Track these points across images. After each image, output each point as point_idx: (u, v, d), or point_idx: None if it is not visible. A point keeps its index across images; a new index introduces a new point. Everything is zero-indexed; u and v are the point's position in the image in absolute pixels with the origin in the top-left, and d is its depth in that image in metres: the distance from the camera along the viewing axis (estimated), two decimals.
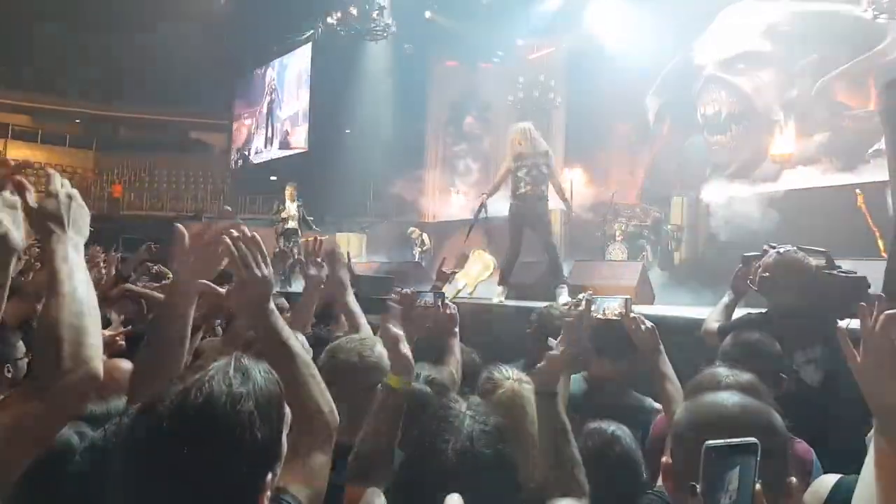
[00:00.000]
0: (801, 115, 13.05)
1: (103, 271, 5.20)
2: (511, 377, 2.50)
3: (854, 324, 1.75)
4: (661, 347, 2.94)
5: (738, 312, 3.86)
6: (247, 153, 27.37)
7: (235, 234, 1.84)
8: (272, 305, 1.84)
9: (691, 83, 15.10)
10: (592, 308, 2.94)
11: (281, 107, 25.47)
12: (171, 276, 6.82)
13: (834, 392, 2.94)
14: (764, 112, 13.72)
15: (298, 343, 1.88)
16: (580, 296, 3.00)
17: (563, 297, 7.10)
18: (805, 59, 12.94)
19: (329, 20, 18.67)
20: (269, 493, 1.42)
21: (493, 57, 19.73)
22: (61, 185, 1.69)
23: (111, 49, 23.13)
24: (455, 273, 4.54)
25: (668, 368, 2.89)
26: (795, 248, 3.54)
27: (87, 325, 1.55)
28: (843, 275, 3.51)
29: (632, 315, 3.03)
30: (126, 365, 2.84)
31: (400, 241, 17.30)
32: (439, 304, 3.38)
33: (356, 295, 3.57)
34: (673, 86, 15.56)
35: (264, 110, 26.38)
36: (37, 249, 4.04)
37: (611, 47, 16.07)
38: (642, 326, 2.98)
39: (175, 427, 1.32)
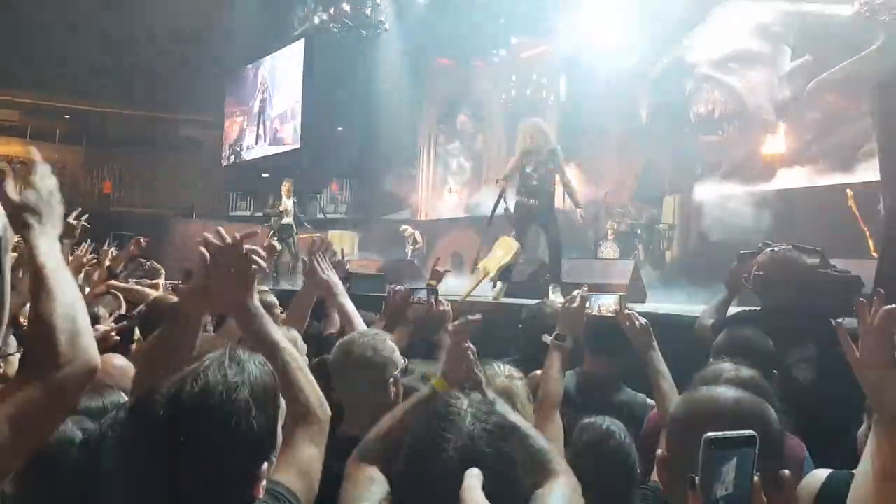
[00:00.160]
0: (793, 116, 13.09)
1: (89, 269, 5.18)
2: (503, 373, 2.51)
3: (848, 322, 1.76)
4: (655, 344, 2.97)
5: (734, 310, 3.88)
6: (238, 150, 27.27)
7: (211, 238, 1.85)
8: (256, 304, 1.86)
9: (684, 82, 15.13)
10: (587, 305, 2.97)
11: (272, 104, 25.40)
12: (163, 271, 6.85)
13: (826, 390, 2.96)
14: (756, 112, 13.75)
15: (285, 338, 1.90)
16: (575, 292, 3.01)
17: (555, 295, 7.12)
18: (797, 59, 12.98)
19: (322, 17, 18.61)
20: (264, 482, 1.43)
21: (486, 55, 19.73)
22: (41, 177, 1.67)
23: (100, 44, 23.02)
24: (448, 272, 4.54)
25: (662, 365, 2.91)
26: (791, 246, 3.56)
27: (79, 316, 1.55)
28: (837, 274, 3.53)
29: (626, 312, 3.06)
30: (120, 361, 2.85)
31: (392, 239, 17.30)
32: (433, 300, 3.40)
33: (350, 293, 3.58)
34: (665, 85, 15.58)
35: (256, 108, 26.29)
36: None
37: (604, 46, 16.09)
38: (636, 323, 3.00)
39: (172, 416, 1.34)
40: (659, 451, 1.56)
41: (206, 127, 29.24)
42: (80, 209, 4.17)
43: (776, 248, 3.53)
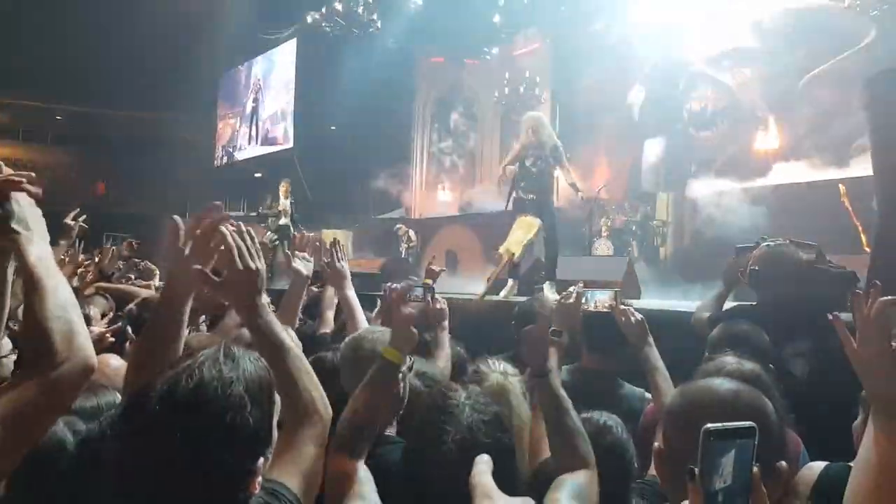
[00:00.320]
0: (786, 111, 13.12)
1: (84, 270, 5.18)
2: (497, 370, 2.52)
3: (844, 317, 1.76)
4: (651, 339, 2.97)
5: (731, 303, 3.88)
6: (231, 150, 27.24)
7: (231, 227, 1.86)
8: (264, 300, 1.85)
9: (676, 79, 15.16)
10: (583, 300, 2.98)
11: (265, 105, 25.36)
12: (157, 272, 6.84)
13: (821, 384, 2.96)
14: (749, 108, 13.79)
15: (290, 337, 1.89)
16: (571, 288, 3.02)
17: (549, 292, 7.11)
18: (790, 55, 13.00)
19: (314, 16, 18.58)
20: (260, 477, 1.43)
21: (478, 53, 19.73)
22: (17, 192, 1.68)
23: (92, 46, 22.94)
24: (444, 270, 4.53)
25: (658, 359, 2.92)
26: (787, 241, 3.56)
27: (73, 317, 1.57)
28: (832, 269, 3.54)
29: (621, 307, 3.06)
30: (116, 361, 2.84)
31: (386, 237, 17.29)
32: (429, 298, 3.40)
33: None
34: (657, 81, 15.61)
35: (248, 109, 26.26)
36: None
37: (596, 42, 16.12)
38: (632, 318, 3.01)
39: (167, 412, 1.35)
40: (656, 444, 1.57)
41: (199, 127, 29.16)
42: (78, 210, 4.17)
43: (772, 243, 3.53)
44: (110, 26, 22.27)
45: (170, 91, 24.92)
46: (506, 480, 1.44)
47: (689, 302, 5.50)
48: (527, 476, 2.08)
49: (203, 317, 3.82)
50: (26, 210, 1.65)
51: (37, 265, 1.58)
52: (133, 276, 6.67)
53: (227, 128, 27.56)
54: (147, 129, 29.43)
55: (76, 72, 24.64)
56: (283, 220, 13.04)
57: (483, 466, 1.09)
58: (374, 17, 18.39)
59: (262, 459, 1.45)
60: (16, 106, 27.92)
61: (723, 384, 1.58)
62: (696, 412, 1.45)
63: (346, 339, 2.73)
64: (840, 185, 9.73)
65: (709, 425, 1.13)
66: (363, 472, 1.91)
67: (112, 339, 3.35)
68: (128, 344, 3.64)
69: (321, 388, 1.84)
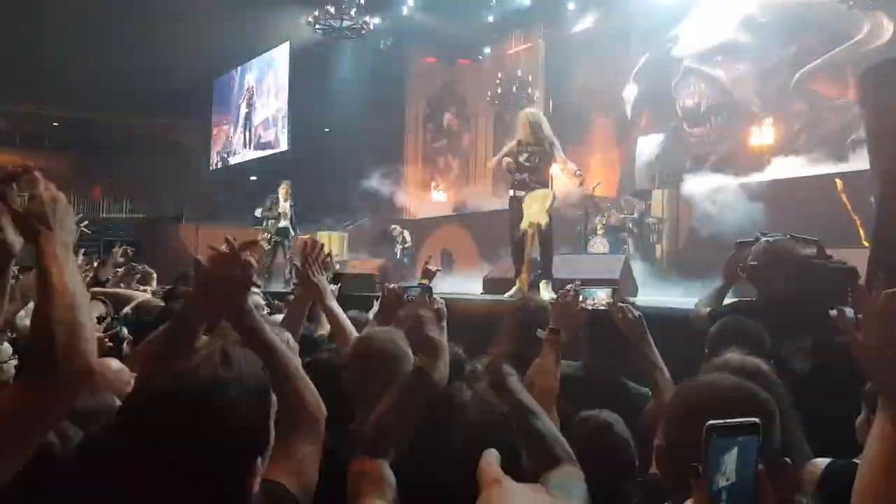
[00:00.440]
0: (780, 106, 13.14)
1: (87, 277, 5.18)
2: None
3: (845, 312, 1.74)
4: (649, 336, 2.96)
5: (731, 299, 3.87)
6: (225, 156, 27.29)
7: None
8: (250, 305, 1.86)
9: (668, 75, 15.18)
10: (580, 298, 2.97)
11: (258, 110, 25.39)
12: (154, 275, 6.84)
13: (822, 380, 2.95)
14: (743, 104, 13.80)
15: (279, 339, 1.90)
16: (568, 287, 3.01)
17: (546, 291, 7.09)
18: (783, 49, 13.02)
19: (307, 18, 18.59)
20: (258, 477, 1.43)
21: (470, 53, 19.76)
22: (45, 187, 1.71)
23: (87, 52, 22.91)
24: (439, 270, 4.51)
25: (656, 357, 2.91)
26: (788, 236, 3.55)
27: (80, 320, 1.57)
28: (832, 264, 3.52)
29: (619, 304, 3.05)
30: (116, 364, 2.84)
31: (381, 238, 17.29)
32: (426, 298, 3.37)
33: (340, 293, 3.56)
34: (650, 78, 15.63)
35: (241, 115, 26.30)
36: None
37: (588, 41, 16.15)
38: (629, 315, 3.00)
39: (163, 413, 1.35)
40: (656, 441, 1.55)
41: (194, 131, 29.19)
42: (80, 215, 4.17)
43: (771, 239, 3.51)
44: (105, 31, 22.24)
45: (165, 95, 24.92)
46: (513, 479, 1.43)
47: (688, 299, 5.48)
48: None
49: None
50: (48, 206, 1.67)
51: (51, 265, 1.58)
52: (131, 281, 6.67)
53: (221, 133, 27.59)
54: (142, 133, 29.44)
55: (71, 78, 24.63)
56: (283, 223, 12.91)
57: (491, 457, 1.08)
58: (366, 18, 18.40)
59: (259, 459, 1.44)
60: (14, 113, 27.95)
61: (724, 380, 1.57)
62: (697, 408, 1.43)
63: (356, 338, 2.71)
64: (837, 180, 9.74)
65: (712, 422, 1.12)
66: (389, 474, 1.90)
67: (110, 344, 3.35)
68: (125, 345, 3.64)
69: (313, 387, 1.84)
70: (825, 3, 12.26)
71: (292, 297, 4.42)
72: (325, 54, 20.40)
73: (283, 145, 23.31)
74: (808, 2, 12.70)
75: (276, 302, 5.95)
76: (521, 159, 7.59)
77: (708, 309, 3.71)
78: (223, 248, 1.88)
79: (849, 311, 1.73)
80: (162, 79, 23.74)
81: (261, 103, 25.05)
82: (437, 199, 20.83)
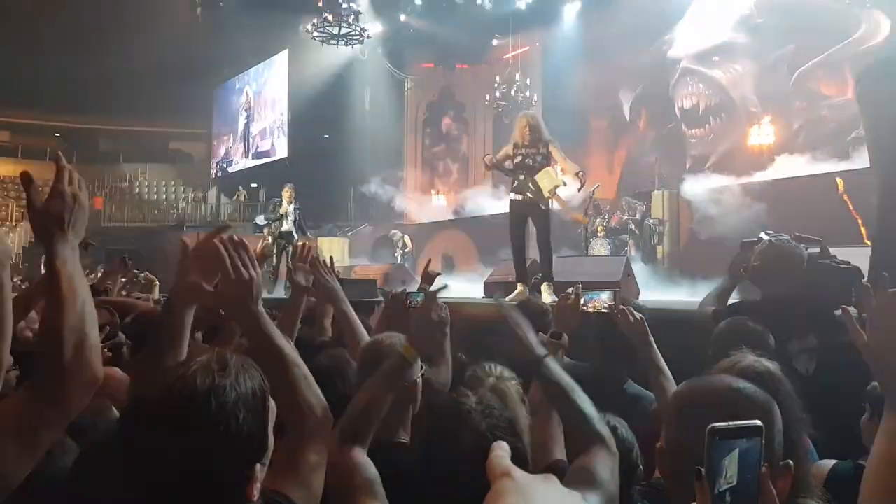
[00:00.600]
0: (779, 106, 13.14)
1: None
2: (493, 374, 2.50)
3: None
4: (651, 339, 2.95)
5: (735, 298, 3.86)
6: (225, 165, 27.37)
7: (224, 237, 1.85)
8: (260, 308, 1.84)
9: (666, 76, 15.18)
10: (582, 301, 2.96)
11: (256, 120, 25.48)
12: (157, 283, 6.83)
13: (827, 381, 2.94)
14: (741, 104, 13.81)
15: (288, 345, 1.88)
16: (569, 290, 3.00)
17: (548, 294, 7.07)
18: (780, 49, 13.02)
19: (306, 26, 18.61)
20: (258, 483, 1.43)
21: (468, 57, 19.80)
22: (68, 182, 1.71)
23: (87, 61, 22.97)
24: (440, 273, 4.50)
25: (659, 359, 2.89)
26: (792, 236, 3.54)
27: (87, 327, 1.57)
28: (836, 265, 3.51)
29: (621, 307, 3.04)
30: (119, 374, 2.84)
31: (381, 243, 17.30)
32: (432, 303, 3.35)
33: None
34: (647, 79, 15.65)
35: (240, 126, 26.38)
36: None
37: (586, 44, 16.17)
38: (631, 318, 2.98)
39: (161, 420, 1.35)
40: (658, 444, 1.54)
41: (195, 139, 29.28)
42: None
43: (774, 239, 3.50)
44: (105, 41, 22.29)
45: (165, 103, 24.99)
46: None
47: (691, 299, 5.47)
48: None
49: (199, 331, 3.79)
50: (67, 207, 1.65)
51: (62, 271, 1.58)
52: (138, 289, 6.67)
53: (220, 143, 27.70)
54: (143, 142, 29.55)
55: (71, 88, 24.70)
56: (286, 226, 12.61)
57: (501, 451, 1.07)
58: (365, 25, 18.42)
59: (259, 466, 1.44)
60: (14, 124, 28.11)
61: (725, 381, 1.55)
62: (698, 410, 1.42)
63: (366, 342, 2.71)
64: (837, 179, 9.72)
65: (714, 424, 1.11)
66: (368, 465, 1.90)
67: (109, 354, 3.34)
68: (124, 349, 3.63)
69: (321, 395, 1.82)
70: (820, 2, 12.26)
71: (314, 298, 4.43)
72: (324, 62, 20.42)
73: (282, 153, 23.35)
74: (802, 1, 12.69)
75: (272, 312, 5.92)
76: (516, 160, 7.57)
77: (712, 308, 3.70)
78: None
79: (853, 312, 1.72)
80: (162, 88, 23.81)
81: (259, 112, 25.12)
82: (436, 204, 20.84)
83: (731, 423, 1.13)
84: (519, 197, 7.57)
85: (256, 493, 1.43)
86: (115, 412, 2.32)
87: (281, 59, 23.63)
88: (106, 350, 3.25)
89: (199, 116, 27.82)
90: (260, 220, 13.78)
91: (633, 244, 12.37)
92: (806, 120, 12.70)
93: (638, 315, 3.00)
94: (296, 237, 12.53)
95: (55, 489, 1.89)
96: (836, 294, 3.08)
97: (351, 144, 20.08)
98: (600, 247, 12.08)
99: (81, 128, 28.83)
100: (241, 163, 26.28)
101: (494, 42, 19.06)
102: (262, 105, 25.07)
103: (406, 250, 16.42)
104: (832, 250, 3.93)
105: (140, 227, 25.14)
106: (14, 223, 24.14)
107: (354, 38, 18.57)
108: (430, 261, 4.74)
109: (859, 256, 4.09)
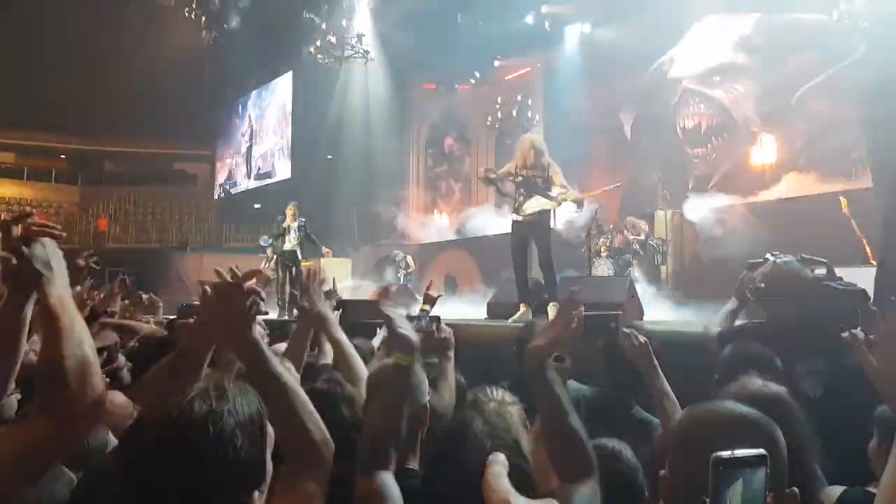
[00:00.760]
0: (780, 126, 13.14)
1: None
2: (495, 398, 2.47)
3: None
4: (655, 362, 2.92)
5: (742, 320, 3.84)
6: (228, 187, 27.49)
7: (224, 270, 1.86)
8: (256, 337, 1.81)
9: (667, 96, 15.22)
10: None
11: (259, 141, 25.60)
12: (160, 304, 6.83)
13: (834, 404, 2.91)
14: (743, 124, 13.82)
15: (287, 372, 1.85)
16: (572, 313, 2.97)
17: (554, 314, 7.04)
18: (780, 69, 13.04)
19: (309, 48, 18.73)
20: None
21: (470, 78, 19.88)
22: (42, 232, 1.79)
23: (93, 84, 23.13)
24: (441, 296, 4.48)
25: (663, 383, 2.87)
26: (798, 257, 3.52)
27: (87, 355, 1.65)
28: (841, 287, 3.48)
29: (624, 330, 3.01)
30: (119, 398, 2.84)
31: (384, 264, 17.29)
32: (434, 327, 3.32)
33: (346, 321, 3.51)
34: (648, 99, 15.68)
35: (243, 148, 26.52)
36: None
37: (586, 64, 16.23)
38: (635, 341, 2.96)
39: (159, 447, 1.36)
40: (662, 472, 1.51)
41: (199, 160, 29.41)
42: (91, 250, 4.24)
43: (779, 260, 3.48)
44: (110, 64, 22.44)
45: (170, 125, 25.13)
46: None
47: (696, 319, 5.43)
48: None
49: None
50: (50, 252, 1.75)
51: (56, 305, 1.67)
52: (141, 310, 6.65)
53: (224, 165, 27.83)
54: (148, 163, 29.71)
55: (77, 110, 24.84)
56: (289, 245, 12.30)
57: (498, 468, 1.05)
58: (367, 47, 18.53)
59: (257, 493, 1.44)
60: (19, 146, 28.32)
61: (728, 408, 1.52)
62: (702, 438, 1.39)
63: (375, 368, 2.67)
64: (841, 198, 9.71)
65: (718, 454, 1.10)
66: (393, 491, 1.86)
67: (107, 380, 3.32)
68: (125, 372, 3.63)
69: (321, 422, 1.79)
70: (820, 23, 12.29)
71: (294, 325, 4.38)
72: (327, 83, 20.54)
73: (284, 174, 23.43)
74: (804, 21, 12.73)
75: (267, 331, 5.89)
76: (518, 181, 7.60)
77: (717, 329, 3.68)
78: (228, 277, 1.86)
79: (859, 334, 1.71)
80: (167, 110, 23.94)
81: (262, 134, 25.24)
82: (439, 224, 20.85)
83: (735, 452, 1.12)
84: (520, 217, 7.59)
85: None
86: (111, 437, 2.31)
87: (284, 82, 23.78)
88: (104, 376, 3.24)
89: (204, 138, 27.96)
90: (263, 240, 13.72)
91: (637, 264, 12.35)
92: (808, 139, 12.69)
93: (642, 338, 2.98)
94: (300, 256, 12.32)
95: None
96: (842, 316, 3.05)
97: (354, 165, 20.14)
98: (603, 267, 12.06)
99: (86, 149, 29.06)
100: (244, 184, 26.38)
101: (496, 63, 19.12)
102: (265, 126, 25.20)
103: (409, 271, 16.40)
104: (837, 270, 3.91)
105: (144, 247, 25.21)
106: None
107: (358, 59, 18.68)
108: (430, 282, 4.74)
109: (865, 276, 4.07)
